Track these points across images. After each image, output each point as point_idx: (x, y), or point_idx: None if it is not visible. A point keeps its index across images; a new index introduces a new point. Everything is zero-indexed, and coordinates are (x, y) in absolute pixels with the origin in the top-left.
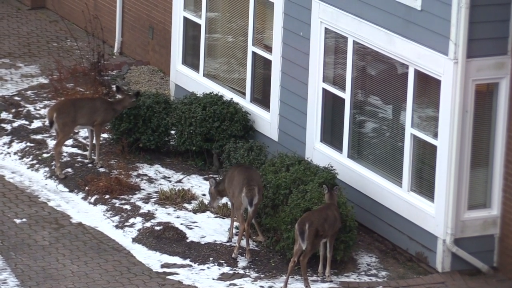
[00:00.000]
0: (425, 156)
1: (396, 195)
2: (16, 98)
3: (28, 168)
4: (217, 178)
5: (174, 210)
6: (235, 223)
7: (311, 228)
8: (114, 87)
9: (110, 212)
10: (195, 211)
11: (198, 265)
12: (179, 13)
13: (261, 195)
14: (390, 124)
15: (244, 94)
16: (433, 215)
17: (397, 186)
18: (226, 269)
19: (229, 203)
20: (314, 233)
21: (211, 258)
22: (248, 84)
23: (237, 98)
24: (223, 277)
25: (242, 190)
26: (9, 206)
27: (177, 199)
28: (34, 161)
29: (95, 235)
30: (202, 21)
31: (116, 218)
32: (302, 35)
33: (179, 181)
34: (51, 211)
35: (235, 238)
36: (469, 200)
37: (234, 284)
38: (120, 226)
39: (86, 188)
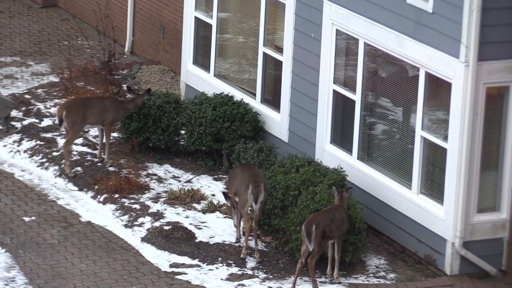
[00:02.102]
0: (435, 158)
1: (406, 198)
2: (27, 96)
3: (37, 166)
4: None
5: (183, 210)
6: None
7: (318, 229)
8: (125, 87)
9: (119, 211)
10: (204, 211)
11: (207, 265)
12: (190, 13)
13: (267, 193)
14: (400, 127)
15: (254, 94)
16: (443, 217)
17: (407, 189)
18: (234, 270)
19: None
20: (321, 234)
21: (219, 258)
22: (259, 85)
23: (247, 99)
24: (231, 277)
25: (248, 187)
26: (18, 204)
27: (186, 199)
28: (44, 160)
29: (104, 234)
30: (213, 21)
31: (125, 217)
32: (313, 36)
33: (189, 181)
34: (60, 210)
35: (244, 238)
36: (478, 203)
37: (243, 285)
38: (129, 225)
39: (96, 187)
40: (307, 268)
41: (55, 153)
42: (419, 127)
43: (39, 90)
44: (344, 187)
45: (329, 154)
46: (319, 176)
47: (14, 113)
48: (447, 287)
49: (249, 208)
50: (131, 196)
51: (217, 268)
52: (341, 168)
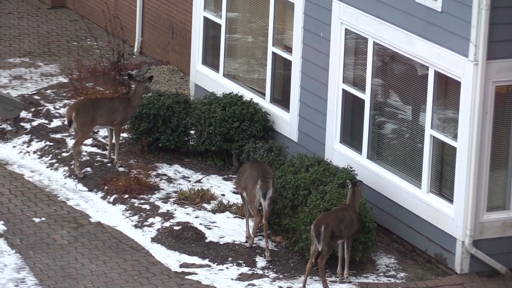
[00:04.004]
0: (445, 157)
1: (415, 197)
2: (36, 97)
3: (47, 167)
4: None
5: (193, 210)
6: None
7: (327, 230)
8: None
9: (129, 212)
10: (214, 211)
11: (217, 265)
12: (199, 13)
13: (275, 190)
14: (409, 126)
15: (264, 94)
16: (452, 216)
17: (417, 188)
18: (244, 269)
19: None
20: (329, 234)
21: (230, 258)
22: (268, 84)
23: (257, 99)
24: (241, 277)
25: (256, 182)
26: (28, 205)
27: (196, 199)
28: (54, 160)
29: (114, 235)
30: (222, 21)
31: (135, 217)
32: (322, 35)
33: (198, 181)
34: (70, 210)
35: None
36: (488, 202)
37: (253, 285)
38: (139, 225)
39: (105, 187)
40: (317, 268)
41: (64, 154)
42: (429, 126)
43: (48, 91)
44: (357, 181)
45: (338, 153)
46: (329, 175)
47: (23, 114)
48: (457, 286)
49: (258, 206)
50: (141, 196)
51: (227, 268)
52: (351, 168)
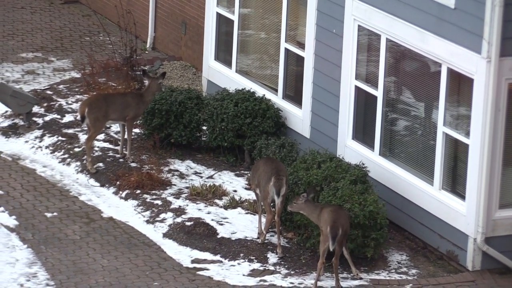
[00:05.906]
0: (457, 154)
1: (428, 194)
2: (48, 92)
3: (59, 162)
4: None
5: (205, 206)
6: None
7: (343, 232)
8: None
9: (141, 207)
10: (226, 207)
11: (229, 261)
12: (212, 9)
13: (288, 187)
14: (422, 122)
15: (276, 90)
16: (464, 213)
17: (429, 185)
18: (256, 265)
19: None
20: (344, 235)
21: (241, 254)
22: (281, 80)
23: (269, 95)
24: (253, 273)
25: (270, 179)
26: (40, 200)
27: (208, 194)
28: (66, 155)
29: (125, 230)
30: (235, 17)
31: (147, 213)
32: (335, 32)
33: (210, 177)
34: (82, 205)
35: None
36: (500, 199)
37: (264, 281)
38: (151, 221)
39: (117, 182)
40: (328, 264)
41: (76, 149)
42: (441, 123)
43: (61, 86)
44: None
45: (351, 150)
46: (341, 172)
47: (35, 109)
48: (469, 283)
49: (271, 203)
50: (153, 192)
51: (239, 264)
52: (363, 164)
